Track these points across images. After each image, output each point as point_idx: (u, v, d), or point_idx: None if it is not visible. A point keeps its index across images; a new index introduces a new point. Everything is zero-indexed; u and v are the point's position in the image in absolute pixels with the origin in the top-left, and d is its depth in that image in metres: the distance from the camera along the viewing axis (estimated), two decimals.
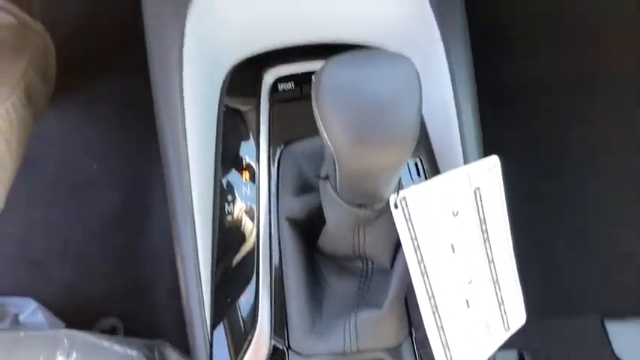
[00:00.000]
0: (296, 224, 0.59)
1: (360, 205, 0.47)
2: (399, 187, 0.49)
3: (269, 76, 0.65)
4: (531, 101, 1.20)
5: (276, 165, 0.64)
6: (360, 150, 0.39)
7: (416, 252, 0.49)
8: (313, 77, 0.40)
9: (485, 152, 0.63)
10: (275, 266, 0.61)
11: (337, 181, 0.45)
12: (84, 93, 1.23)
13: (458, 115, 0.60)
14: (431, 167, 0.62)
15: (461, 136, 0.60)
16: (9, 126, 0.77)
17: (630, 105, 1.20)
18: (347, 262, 0.58)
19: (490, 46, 1.02)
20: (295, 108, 0.64)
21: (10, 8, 1.02)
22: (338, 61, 0.40)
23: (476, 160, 0.58)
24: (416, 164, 0.62)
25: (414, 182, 0.62)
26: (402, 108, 0.38)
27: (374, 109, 0.38)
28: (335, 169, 0.44)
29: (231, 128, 0.66)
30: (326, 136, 0.41)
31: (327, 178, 0.48)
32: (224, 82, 0.66)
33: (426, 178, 0.62)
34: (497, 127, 1.07)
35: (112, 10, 1.21)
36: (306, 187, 0.60)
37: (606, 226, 1.13)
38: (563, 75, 1.21)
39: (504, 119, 1.16)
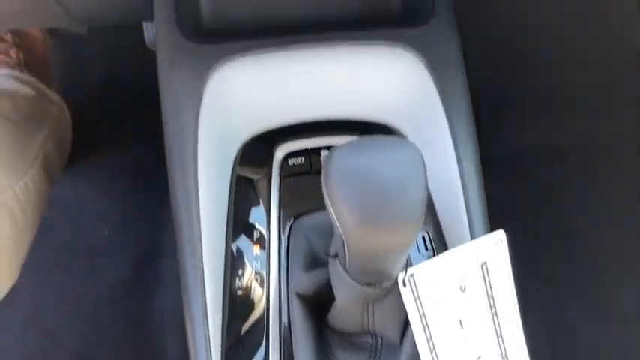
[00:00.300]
0: (305, 300, 0.60)
1: (369, 284, 0.48)
2: (408, 263, 0.50)
3: (280, 152, 0.68)
4: (531, 166, 1.22)
5: (286, 236, 0.66)
6: (367, 234, 0.41)
7: (424, 329, 0.49)
8: (323, 161, 0.42)
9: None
10: (284, 338, 0.62)
11: (346, 260, 0.47)
12: (98, 159, 1.27)
13: (463, 189, 0.62)
14: (438, 240, 0.63)
15: (467, 210, 0.61)
16: (27, 200, 0.80)
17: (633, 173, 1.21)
18: (356, 337, 0.59)
19: (489, 114, 1.05)
20: (305, 182, 0.66)
21: (29, 80, 1.06)
22: (346, 147, 0.42)
23: (482, 233, 0.60)
24: (423, 237, 0.64)
25: (421, 255, 0.63)
26: (407, 194, 0.40)
27: (381, 195, 0.40)
28: (344, 249, 0.46)
29: (243, 199, 0.68)
30: (335, 219, 0.42)
31: (336, 256, 0.49)
32: (236, 157, 0.68)
33: (433, 252, 0.63)
34: (498, 190, 1.08)
35: (127, 78, 1.26)
36: (315, 261, 0.61)
37: (618, 297, 1.13)
38: (563, 142, 1.23)
39: (504, 183, 1.18)
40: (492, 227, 0.62)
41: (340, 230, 0.43)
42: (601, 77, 1.22)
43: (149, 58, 0.79)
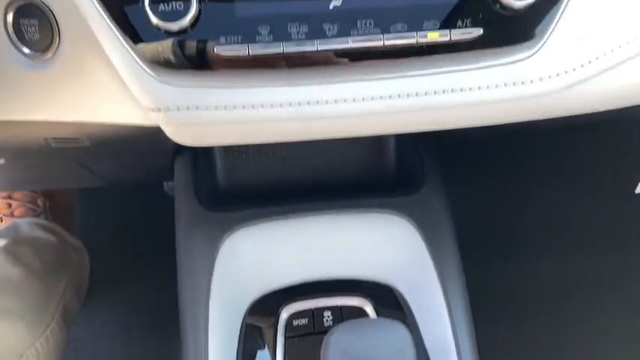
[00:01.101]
0: None
1: None
2: None
3: (285, 313, 0.72)
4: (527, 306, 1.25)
5: None
6: None
7: None
8: (322, 344, 0.47)
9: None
10: None
11: None
12: (112, 299, 1.31)
13: (456, 348, 0.66)
14: None
15: None
16: (46, 354, 0.83)
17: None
18: None
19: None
20: (309, 343, 0.70)
21: (52, 228, 1.13)
22: (342, 330, 0.47)
23: None
24: None
25: None
26: None
27: None
28: None
29: (251, 343, 0.72)
30: None
31: None
32: (246, 311, 0.73)
33: None
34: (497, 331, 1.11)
35: (145, 224, 1.33)
36: None
37: None
38: (557, 283, 1.27)
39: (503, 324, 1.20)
40: None
41: None
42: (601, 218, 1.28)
43: (166, 206, 0.86)
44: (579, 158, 1.31)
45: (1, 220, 1.22)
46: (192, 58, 0.45)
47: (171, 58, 0.45)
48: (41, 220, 1.16)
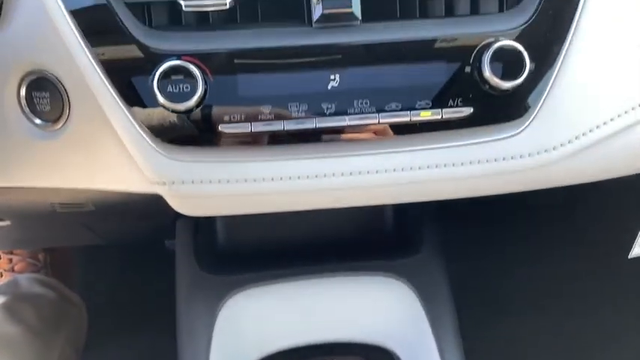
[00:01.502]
0: None
1: None
2: None
3: None
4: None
5: None
6: None
7: None
8: None
9: None
10: None
11: None
12: (110, 354, 1.30)
13: None
14: None
15: None
16: None
17: None
18: None
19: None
20: None
21: (52, 283, 1.13)
22: None
23: None
24: None
25: None
26: None
27: None
28: None
29: None
30: None
31: None
32: None
33: None
34: None
35: (143, 278, 1.34)
36: None
37: None
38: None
39: None
40: None
41: None
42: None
43: (165, 260, 0.87)
44: (576, 217, 1.32)
45: (1, 275, 1.23)
46: (197, 129, 0.47)
47: (176, 122, 0.47)
48: (40, 276, 1.16)
